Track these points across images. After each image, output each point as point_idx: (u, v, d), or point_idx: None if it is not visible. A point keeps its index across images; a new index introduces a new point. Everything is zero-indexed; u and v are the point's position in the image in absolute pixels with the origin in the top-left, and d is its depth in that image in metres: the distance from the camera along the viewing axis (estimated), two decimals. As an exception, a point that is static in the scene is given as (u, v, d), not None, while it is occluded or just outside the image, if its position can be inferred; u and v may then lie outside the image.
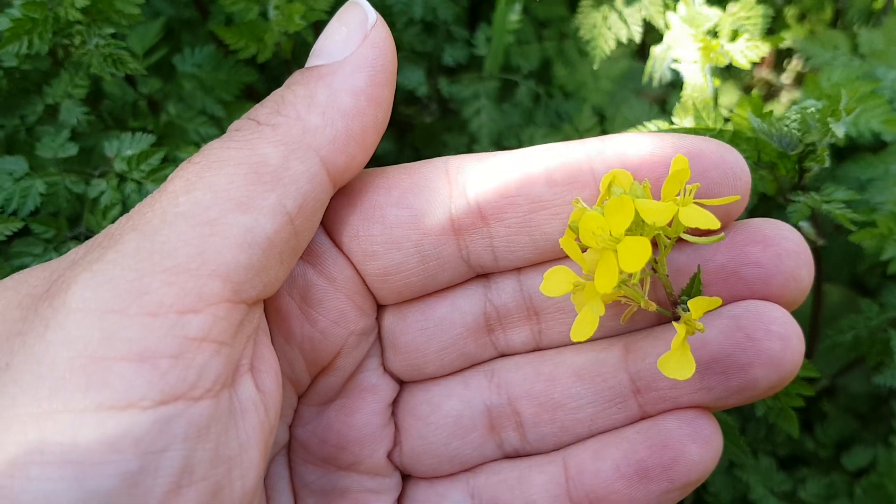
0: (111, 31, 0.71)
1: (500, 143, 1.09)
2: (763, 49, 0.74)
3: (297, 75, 0.50)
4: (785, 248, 0.50)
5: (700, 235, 0.49)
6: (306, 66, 0.51)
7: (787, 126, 0.68)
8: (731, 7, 0.76)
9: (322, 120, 0.48)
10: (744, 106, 0.71)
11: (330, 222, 0.53)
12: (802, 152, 0.69)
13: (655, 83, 0.80)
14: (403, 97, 1.12)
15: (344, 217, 0.52)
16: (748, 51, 0.76)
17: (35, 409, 0.39)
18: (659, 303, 0.52)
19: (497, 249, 0.53)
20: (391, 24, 1.07)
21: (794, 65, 1.31)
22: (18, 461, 0.38)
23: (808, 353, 0.99)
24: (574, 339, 0.48)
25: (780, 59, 1.32)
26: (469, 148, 1.09)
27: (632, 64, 1.18)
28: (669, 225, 0.48)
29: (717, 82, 0.76)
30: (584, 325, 0.48)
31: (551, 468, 0.56)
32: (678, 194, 0.46)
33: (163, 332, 0.41)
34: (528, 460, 0.57)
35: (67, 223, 0.74)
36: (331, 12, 0.88)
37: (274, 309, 0.52)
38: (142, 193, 0.73)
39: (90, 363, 0.39)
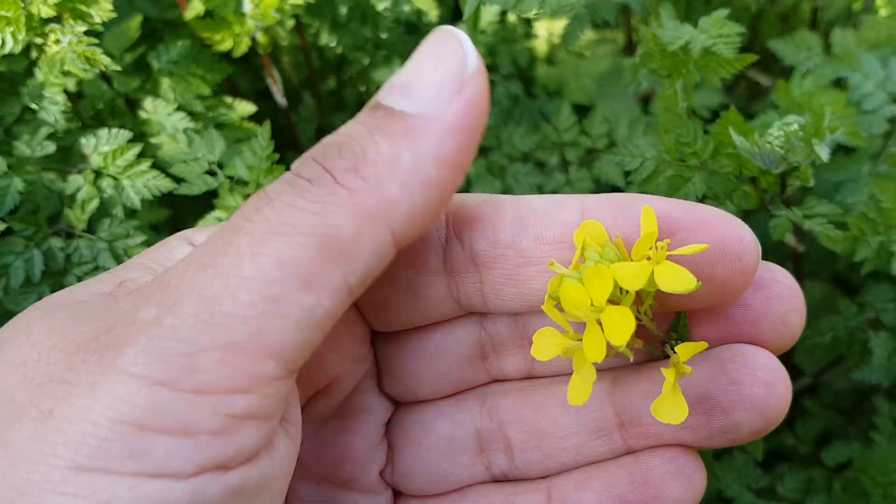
0: (84, 28, 0.71)
1: (481, 143, 1.09)
2: (736, 66, 0.75)
3: (381, 117, 0.45)
4: (776, 292, 0.49)
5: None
6: (387, 101, 0.45)
7: (770, 144, 0.68)
8: (703, 21, 0.76)
9: (401, 191, 0.44)
10: (725, 122, 0.71)
11: None
12: (786, 170, 0.69)
13: (633, 93, 0.80)
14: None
15: None
16: (720, 69, 0.76)
17: (75, 463, 0.39)
18: (647, 339, 0.52)
19: (486, 295, 0.53)
20: (375, 24, 1.08)
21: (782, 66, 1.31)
22: None
23: (789, 352, 1.00)
24: (572, 404, 0.47)
25: (767, 57, 1.32)
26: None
27: (615, 61, 1.18)
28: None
29: (689, 98, 0.77)
30: (579, 391, 0.47)
31: (535, 496, 0.56)
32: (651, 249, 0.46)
33: (208, 409, 0.40)
34: (514, 486, 0.57)
35: (47, 220, 0.75)
36: (310, 8, 0.89)
37: None
38: (117, 189, 0.74)
39: (133, 431, 0.39)
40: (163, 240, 0.54)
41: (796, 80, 0.89)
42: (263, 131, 0.74)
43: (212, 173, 0.76)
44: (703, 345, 0.46)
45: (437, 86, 0.44)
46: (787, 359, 1.02)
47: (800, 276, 0.88)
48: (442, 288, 0.53)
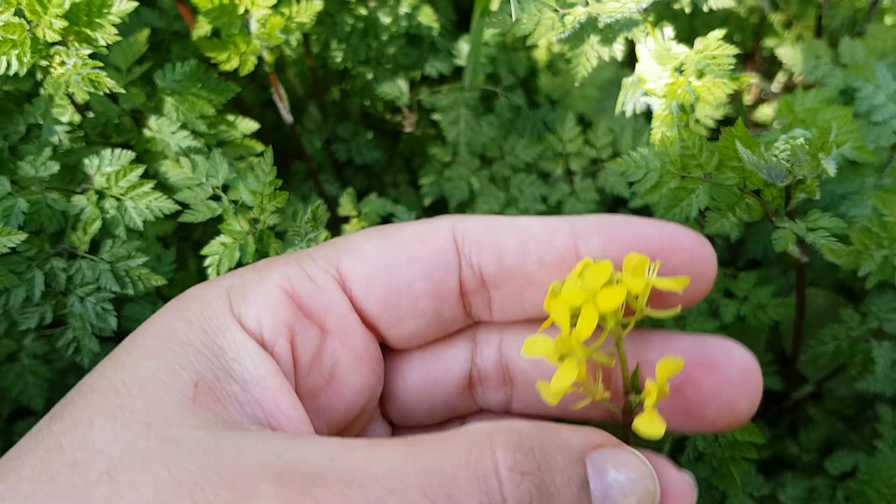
0: (89, 51, 0.72)
1: (484, 154, 1.10)
2: (730, 87, 0.75)
3: None
4: (728, 378, 0.53)
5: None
6: (588, 469, 0.48)
7: (776, 157, 0.69)
8: (698, 43, 0.76)
9: None
10: (731, 134, 0.72)
11: (362, 294, 0.55)
12: (791, 183, 0.70)
13: (628, 113, 0.81)
14: (388, 107, 1.13)
15: (374, 290, 0.55)
16: (715, 89, 0.77)
17: None
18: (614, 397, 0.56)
19: (494, 311, 0.58)
20: (375, 36, 1.08)
21: (784, 73, 1.31)
22: None
23: (793, 361, 1.00)
24: (547, 400, 0.50)
25: (769, 65, 1.33)
26: (453, 158, 1.10)
27: (617, 71, 1.18)
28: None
29: (685, 118, 0.77)
30: (558, 387, 0.50)
31: None
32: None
33: None
34: None
35: (50, 240, 0.76)
36: (314, 24, 0.89)
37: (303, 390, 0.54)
38: (120, 210, 0.75)
39: None
40: (194, 291, 0.54)
41: (798, 97, 0.89)
42: (266, 157, 0.75)
43: (216, 197, 0.77)
44: (681, 363, 0.49)
45: None
46: (790, 366, 1.02)
47: (803, 286, 0.89)
48: (460, 308, 0.57)
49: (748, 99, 1.36)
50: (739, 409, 0.53)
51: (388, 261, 0.54)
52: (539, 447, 0.46)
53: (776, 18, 1.29)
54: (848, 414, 1.12)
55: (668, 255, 0.53)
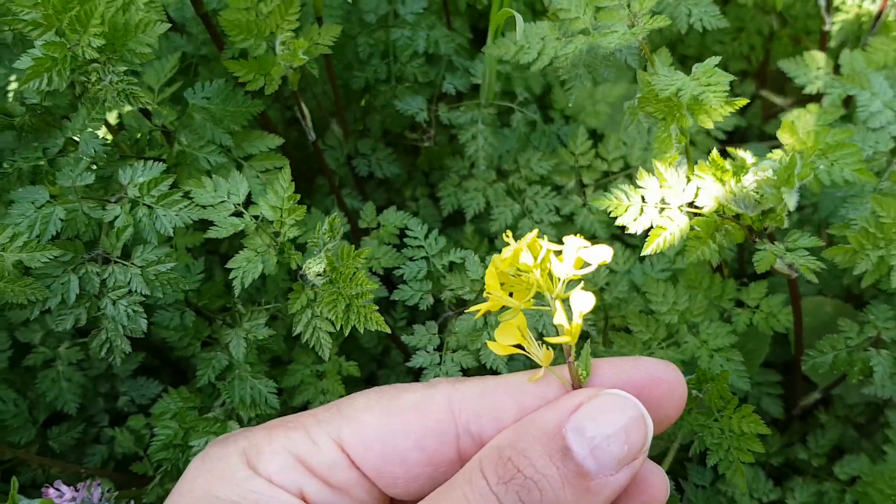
0: (124, 68, 0.77)
1: (500, 167, 1.14)
2: (726, 110, 0.79)
3: (571, 471, 0.56)
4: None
5: None
6: (577, 448, 0.56)
7: (745, 189, 0.73)
8: (696, 68, 0.80)
9: None
10: (705, 167, 0.76)
11: (359, 460, 0.61)
12: (761, 213, 0.74)
13: (633, 132, 0.84)
14: (408, 123, 1.17)
15: (370, 458, 0.61)
16: (713, 113, 0.80)
17: None
18: None
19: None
20: (395, 58, 1.13)
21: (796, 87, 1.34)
22: None
23: (797, 370, 1.02)
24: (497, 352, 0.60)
25: (782, 79, 1.35)
26: (470, 171, 1.14)
27: (629, 87, 1.22)
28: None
29: (683, 140, 0.81)
30: (502, 340, 0.59)
31: None
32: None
33: None
34: None
35: (85, 246, 0.80)
36: (334, 46, 0.94)
37: None
38: (152, 217, 0.80)
39: None
40: (214, 451, 0.62)
41: (800, 118, 0.92)
42: (284, 173, 0.79)
43: (238, 214, 0.82)
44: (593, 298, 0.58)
45: (620, 457, 0.57)
46: (796, 374, 1.04)
47: (797, 298, 0.92)
48: (455, 469, 0.61)
49: (760, 111, 1.39)
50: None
51: (384, 432, 0.61)
52: (515, 449, 0.57)
53: (785, 34, 1.32)
54: (859, 420, 1.13)
55: (651, 388, 0.60)
